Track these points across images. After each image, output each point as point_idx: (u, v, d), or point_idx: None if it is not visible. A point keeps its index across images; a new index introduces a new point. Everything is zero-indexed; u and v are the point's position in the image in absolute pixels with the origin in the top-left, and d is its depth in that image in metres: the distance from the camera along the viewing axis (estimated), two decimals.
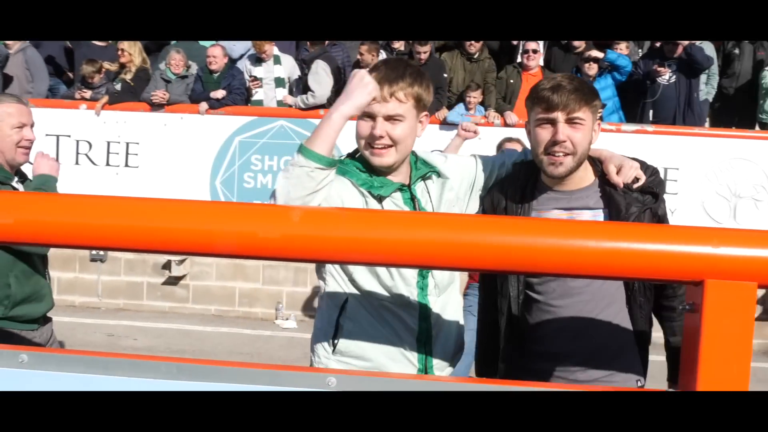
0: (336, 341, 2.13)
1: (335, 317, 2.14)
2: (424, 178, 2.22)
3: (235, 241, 1.33)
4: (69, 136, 8.21)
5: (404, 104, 2.10)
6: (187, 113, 8.04)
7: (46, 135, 8.22)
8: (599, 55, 8.00)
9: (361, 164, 2.17)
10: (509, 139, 4.87)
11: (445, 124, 7.89)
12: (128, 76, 8.27)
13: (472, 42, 8.20)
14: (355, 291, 2.13)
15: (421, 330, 2.14)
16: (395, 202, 2.16)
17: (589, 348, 2.14)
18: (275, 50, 8.13)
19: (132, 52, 8.25)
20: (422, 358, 2.14)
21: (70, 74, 9.85)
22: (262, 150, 7.96)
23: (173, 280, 8.12)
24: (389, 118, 2.09)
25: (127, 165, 8.12)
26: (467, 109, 8.06)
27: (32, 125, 3.05)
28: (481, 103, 8.12)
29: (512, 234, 1.32)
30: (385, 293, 2.11)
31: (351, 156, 2.24)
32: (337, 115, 2.02)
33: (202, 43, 8.87)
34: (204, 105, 7.91)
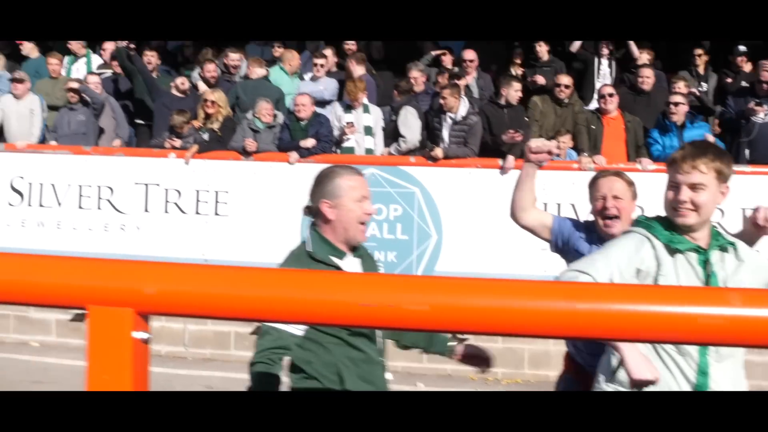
0: (616, 370, 2.50)
1: None
2: (721, 248, 2.53)
3: (670, 324, 1.25)
4: (158, 184, 8.24)
5: (705, 175, 2.46)
6: (277, 161, 8.05)
7: (135, 184, 8.29)
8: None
9: (665, 224, 2.54)
10: (604, 174, 3.90)
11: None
12: (215, 126, 8.33)
13: (562, 87, 8.18)
14: None
15: (699, 384, 2.40)
16: (689, 260, 2.49)
17: None
18: (364, 99, 8.17)
19: (220, 102, 8.32)
20: None
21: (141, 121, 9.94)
22: None
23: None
24: (692, 186, 2.46)
25: (216, 213, 8.10)
26: (557, 155, 8.00)
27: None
28: (572, 148, 8.07)
29: None
30: None
31: (657, 218, 2.61)
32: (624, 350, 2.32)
33: (286, 93, 8.97)
34: (294, 155, 7.90)
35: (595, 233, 3.40)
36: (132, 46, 9.82)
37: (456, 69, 9.44)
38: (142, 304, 1.34)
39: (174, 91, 9.04)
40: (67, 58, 10.05)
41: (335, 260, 2.77)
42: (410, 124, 7.98)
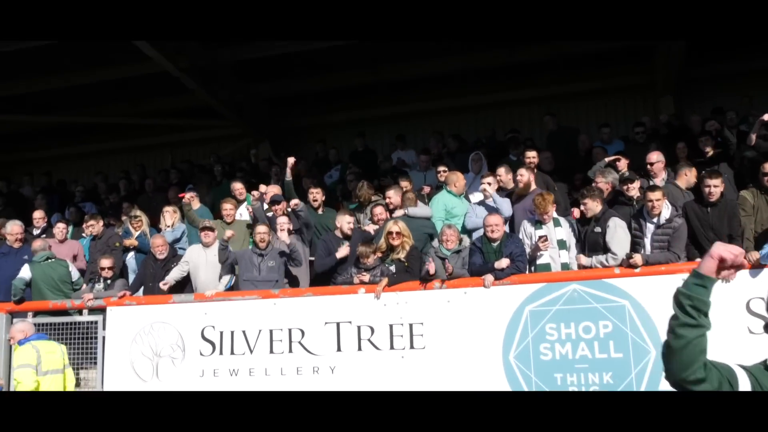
0: None
1: None
2: None
3: None
4: (350, 322, 8.02)
5: None
6: (471, 287, 7.72)
7: (326, 323, 8.11)
8: None
9: None
10: None
11: (759, 267, 7.13)
12: (401, 255, 8.15)
13: None
14: None
15: None
16: None
17: None
18: (554, 212, 7.83)
19: (404, 233, 8.17)
20: None
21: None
22: (556, 318, 7.41)
23: None
24: None
25: (412, 347, 7.76)
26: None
27: None
28: None
29: None
30: None
31: None
32: None
33: (460, 213, 8.75)
34: (490, 277, 7.55)
35: None
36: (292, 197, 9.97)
37: (626, 173, 9.08)
38: None
39: (338, 233, 8.97)
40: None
41: None
42: (620, 238, 7.47)
